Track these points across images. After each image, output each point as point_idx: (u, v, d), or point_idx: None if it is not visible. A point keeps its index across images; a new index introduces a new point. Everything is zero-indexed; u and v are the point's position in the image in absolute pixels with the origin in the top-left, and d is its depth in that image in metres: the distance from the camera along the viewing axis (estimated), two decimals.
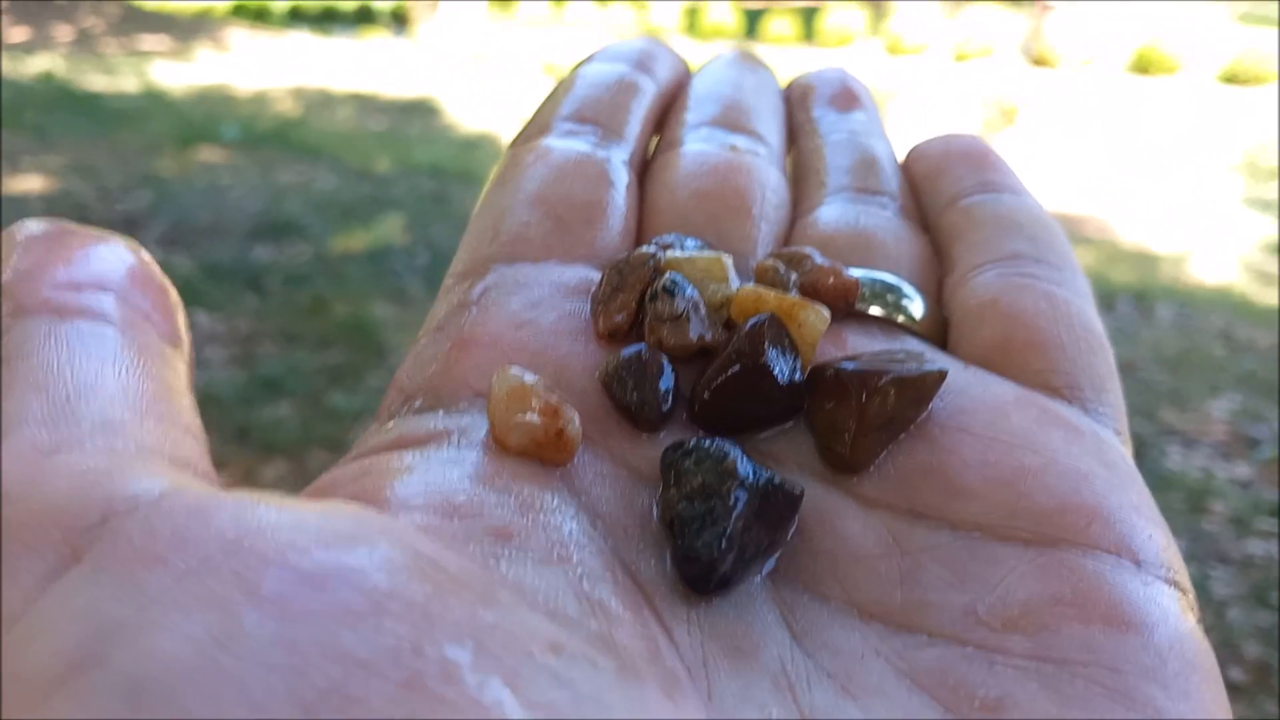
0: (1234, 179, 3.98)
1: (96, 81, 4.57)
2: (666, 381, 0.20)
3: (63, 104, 3.96)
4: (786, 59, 5.47)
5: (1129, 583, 0.18)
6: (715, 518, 0.17)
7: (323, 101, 4.51)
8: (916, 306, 0.24)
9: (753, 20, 7.03)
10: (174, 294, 0.19)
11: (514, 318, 0.21)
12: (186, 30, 6.38)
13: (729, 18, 7.05)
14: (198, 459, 0.16)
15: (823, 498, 0.19)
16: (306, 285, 2.27)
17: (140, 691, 0.11)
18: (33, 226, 0.18)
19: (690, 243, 0.24)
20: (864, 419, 0.20)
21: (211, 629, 0.12)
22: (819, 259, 0.23)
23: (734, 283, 0.22)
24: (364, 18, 7.29)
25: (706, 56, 0.32)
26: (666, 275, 0.22)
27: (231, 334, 2.01)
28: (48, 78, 4.52)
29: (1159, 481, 1.69)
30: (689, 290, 0.22)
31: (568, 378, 0.20)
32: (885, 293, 0.24)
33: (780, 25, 6.79)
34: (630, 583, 0.17)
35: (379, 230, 2.66)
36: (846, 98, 0.31)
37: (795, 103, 0.32)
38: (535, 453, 0.18)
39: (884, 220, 0.26)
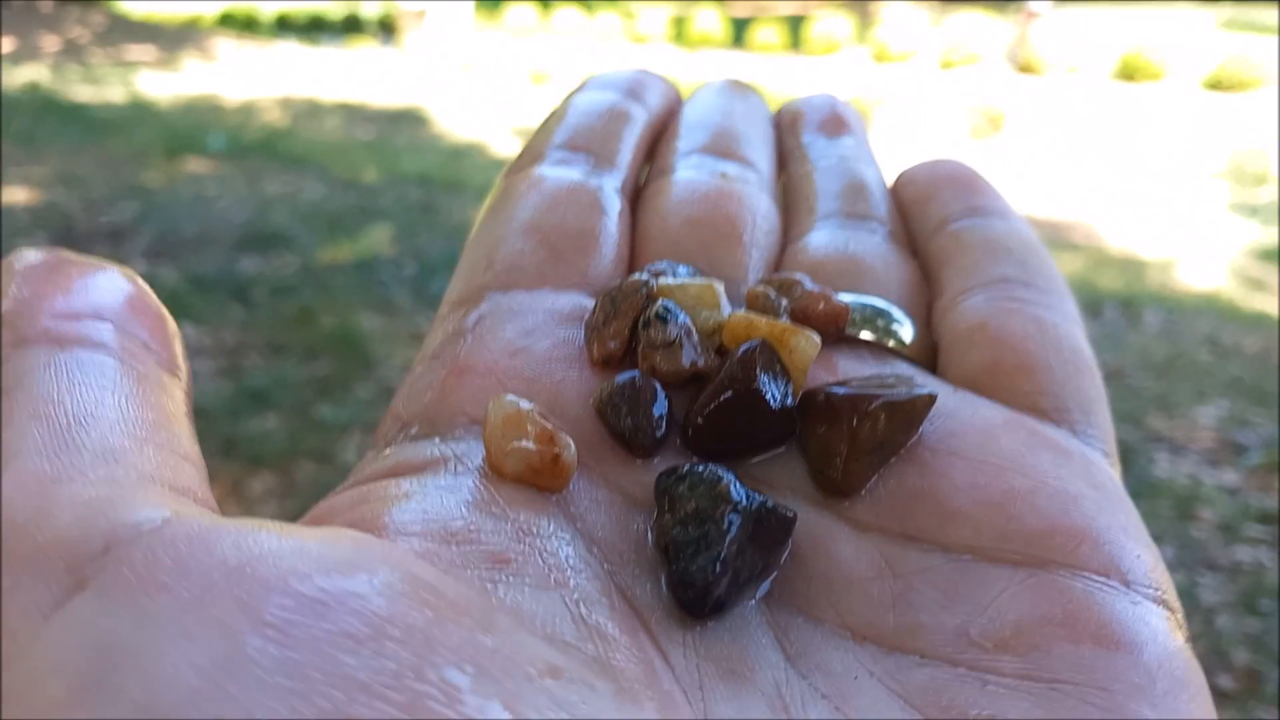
0: (1220, 185, 4.00)
1: (82, 92, 4.56)
2: (660, 407, 0.21)
3: (48, 114, 3.95)
4: (773, 67, 5.48)
5: (1118, 603, 0.18)
6: (709, 542, 0.18)
7: (310, 111, 4.50)
8: (906, 331, 0.24)
9: (740, 28, 7.06)
10: (171, 323, 0.19)
11: (509, 345, 0.22)
12: (173, 40, 6.38)
13: (716, 26, 7.07)
14: (197, 486, 0.16)
15: (815, 521, 0.20)
16: (293, 296, 2.26)
17: (146, 717, 0.11)
18: (31, 256, 0.18)
19: (682, 270, 0.24)
20: (855, 443, 0.20)
21: (215, 655, 0.12)
22: (809, 285, 0.24)
23: (725, 309, 0.23)
24: (352, 27, 7.29)
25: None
26: (659, 302, 0.22)
27: (218, 346, 2.01)
28: (33, 88, 4.51)
29: (1147, 489, 1.70)
30: (681, 317, 0.22)
31: (562, 404, 0.21)
32: (875, 318, 0.24)
33: (767, 33, 6.81)
34: (626, 607, 0.17)
35: (366, 240, 2.66)
36: (836, 123, 0.31)
37: (785, 129, 0.32)
38: (531, 479, 0.18)
39: (873, 245, 0.27)
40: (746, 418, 0.20)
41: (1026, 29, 6.27)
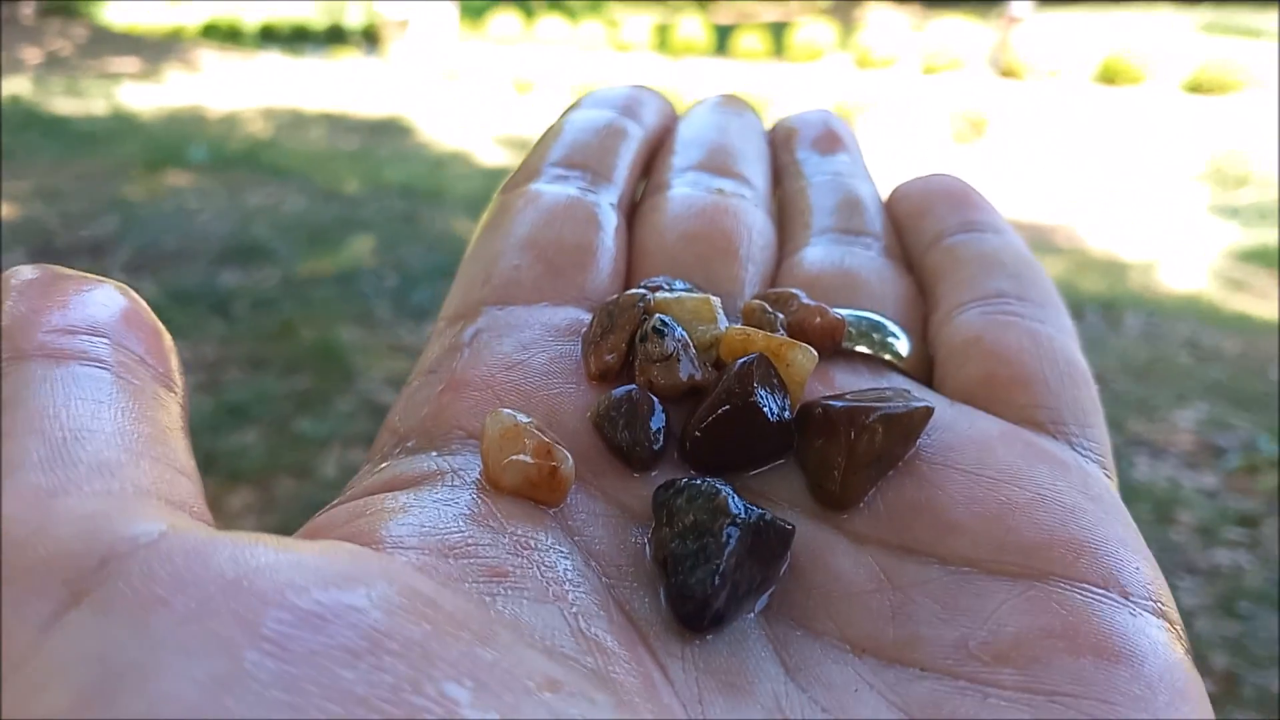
0: (1200, 187, 4.03)
1: (64, 105, 4.54)
2: (657, 421, 0.21)
3: (29, 128, 3.93)
4: (757, 74, 5.49)
5: (1117, 615, 0.18)
6: (708, 555, 0.18)
7: (294, 122, 4.49)
8: (902, 344, 0.25)
9: (723, 36, 7.07)
10: (168, 337, 0.19)
11: (505, 359, 0.22)
12: (156, 51, 6.36)
13: (699, 34, 7.09)
14: (193, 500, 0.16)
15: (814, 534, 0.20)
16: (274, 309, 2.25)
17: None
18: (26, 272, 0.18)
19: (679, 284, 0.24)
20: (853, 456, 0.20)
21: (213, 669, 0.12)
22: (805, 299, 0.24)
23: (722, 323, 0.23)
24: (335, 37, 7.28)
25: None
26: (656, 317, 0.22)
27: (198, 360, 2.00)
28: (14, 101, 4.49)
29: (1127, 492, 1.67)
30: (678, 331, 0.22)
31: (559, 418, 0.21)
32: (871, 331, 0.24)
33: (750, 40, 6.83)
34: (625, 620, 0.17)
35: (347, 252, 2.65)
36: (830, 140, 0.32)
37: (779, 145, 0.32)
38: (528, 492, 0.18)
39: (868, 260, 0.27)
40: (744, 431, 0.20)
41: (1008, 34, 6.30)
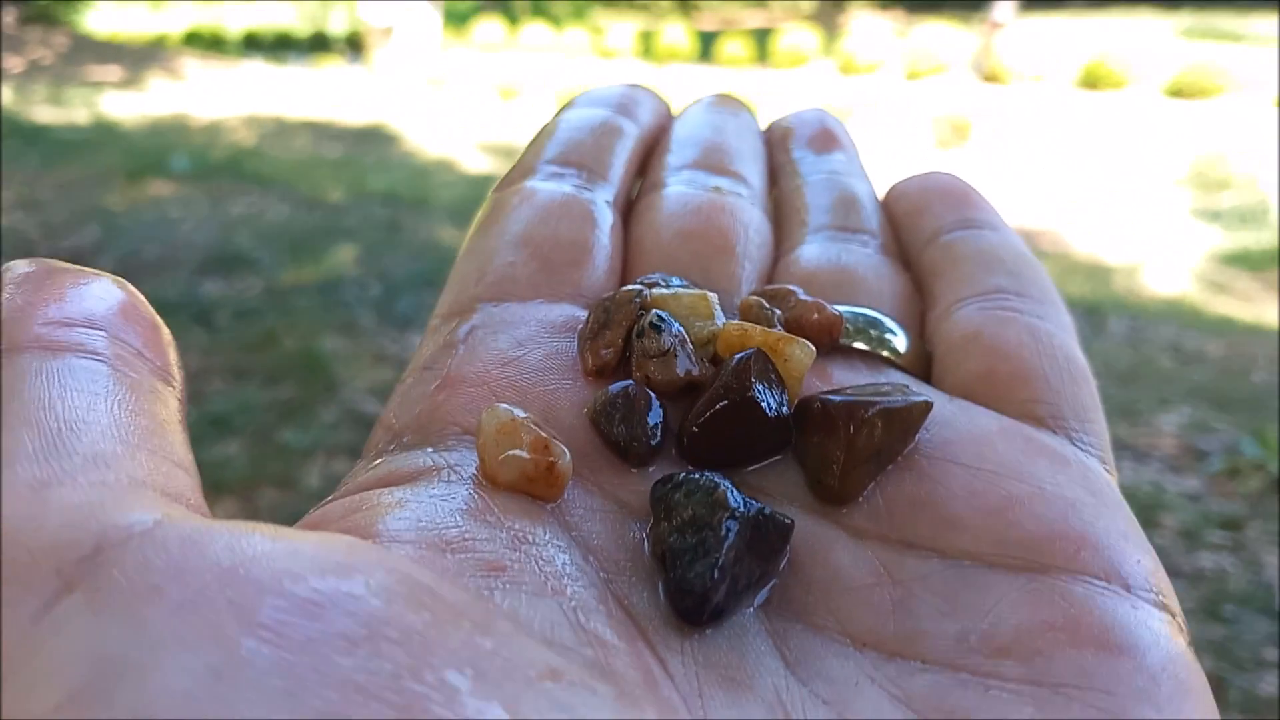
0: (1182, 191, 4.05)
1: (45, 113, 4.51)
2: (655, 416, 0.20)
3: (10, 137, 3.90)
4: (741, 81, 5.51)
5: (1119, 607, 0.18)
6: (707, 549, 0.17)
7: (277, 130, 4.48)
8: (900, 341, 0.24)
9: (707, 42, 7.09)
10: (165, 331, 0.19)
11: (501, 355, 0.22)
12: (138, 59, 6.33)
13: (683, 40, 7.10)
14: (190, 493, 0.16)
15: (813, 529, 0.19)
16: (256, 319, 2.24)
17: None
18: (22, 266, 0.18)
19: (675, 281, 0.24)
20: (852, 451, 0.20)
21: (209, 658, 0.12)
22: (802, 295, 0.24)
23: (719, 319, 0.23)
24: (319, 45, 7.27)
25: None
26: (653, 312, 0.22)
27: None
28: None
29: None
30: (675, 326, 0.22)
31: (556, 414, 0.21)
32: (869, 328, 0.24)
33: (734, 47, 6.85)
34: (624, 615, 0.17)
35: (330, 261, 2.64)
36: (825, 139, 0.32)
37: (775, 144, 0.32)
38: (525, 488, 0.18)
39: (865, 257, 0.27)
40: (742, 426, 0.20)
41: (991, 39, 6.33)
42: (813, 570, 0.19)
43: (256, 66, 6.34)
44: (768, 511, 0.18)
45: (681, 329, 0.22)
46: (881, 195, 0.30)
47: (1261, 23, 7.44)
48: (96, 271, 0.19)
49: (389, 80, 5.94)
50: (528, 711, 0.12)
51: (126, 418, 0.16)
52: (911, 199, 0.29)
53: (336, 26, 7.47)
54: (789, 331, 0.22)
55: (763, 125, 0.33)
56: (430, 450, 0.19)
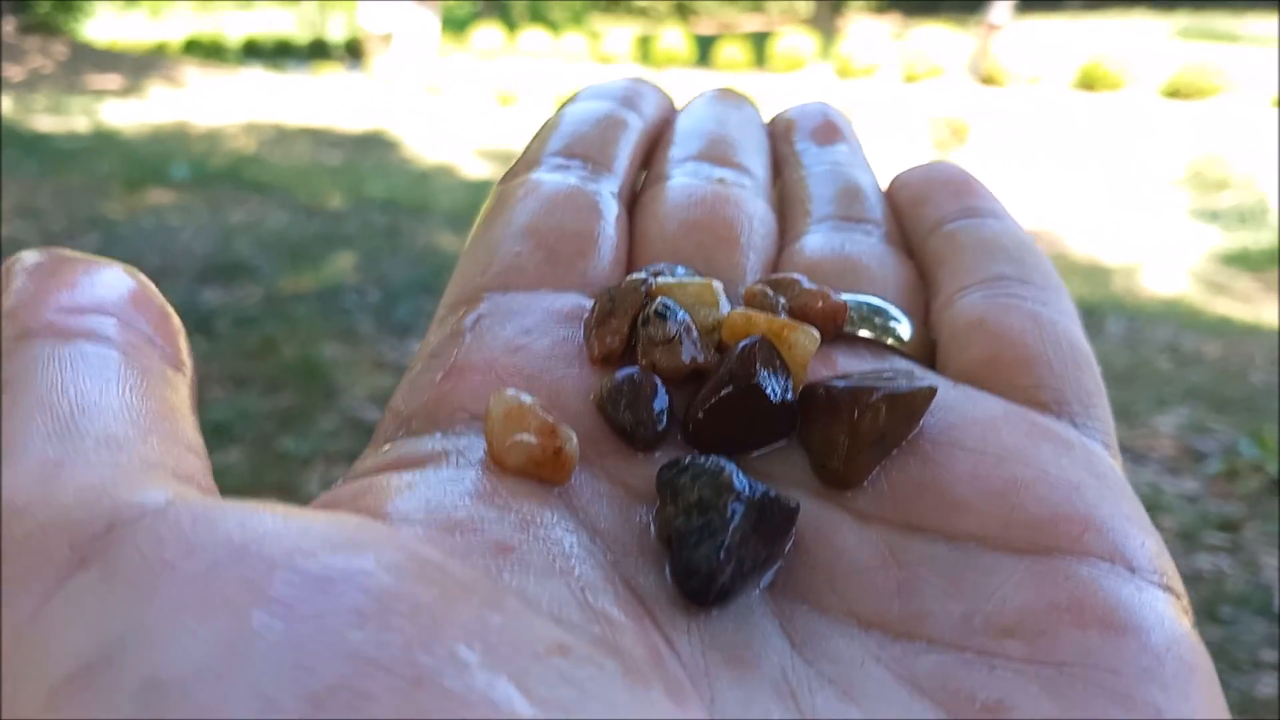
0: (1180, 191, 4.06)
1: (45, 122, 4.52)
2: (661, 402, 0.20)
3: (10, 145, 3.91)
4: (739, 85, 5.51)
5: (1123, 588, 0.18)
6: (713, 530, 0.17)
7: (277, 137, 4.49)
8: (904, 328, 0.25)
9: (705, 47, 7.10)
10: (176, 319, 0.19)
11: (508, 343, 0.22)
12: (139, 67, 6.34)
13: (681, 45, 7.11)
14: (201, 476, 0.16)
15: (818, 513, 0.20)
16: (256, 327, 2.24)
17: (152, 692, 0.11)
18: (33, 256, 0.18)
19: (680, 271, 0.24)
20: (857, 435, 0.20)
21: (221, 631, 0.12)
22: (807, 284, 0.24)
23: (724, 307, 0.23)
24: (318, 52, 7.28)
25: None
26: (658, 300, 0.22)
27: None
28: None
29: None
30: (680, 314, 0.22)
31: (562, 401, 0.21)
32: (873, 315, 0.24)
33: (732, 51, 6.85)
34: (630, 595, 0.17)
35: (330, 268, 2.64)
36: (828, 130, 0.32)
37: (779, 136, 0.32)
38: (533, 472, 0.18)
39: (869, 246, 0.27)
40: (747, 412, 0.20)
41: (988, 41, 6.34)
42: (818, 553, 0.19)
43: (256, 74, 6.35)
44: (773, 494, 0.19)
45: (687, 316, 0.22)
46: (884, 186, 0.30)
47: (1257, 23, 7.45)
48: (107, 260, 0.19)
49: (388, 87, 5.95)
50: (536, 684, 0.12)
51: (138, 402, 0.16)
52: (914, 189, 0.29)
53: (336, 34, 7.48)
54: (794, 319, 0.22)
55: (765, 120, 0.33)
56: (439, 435, 0.20)
